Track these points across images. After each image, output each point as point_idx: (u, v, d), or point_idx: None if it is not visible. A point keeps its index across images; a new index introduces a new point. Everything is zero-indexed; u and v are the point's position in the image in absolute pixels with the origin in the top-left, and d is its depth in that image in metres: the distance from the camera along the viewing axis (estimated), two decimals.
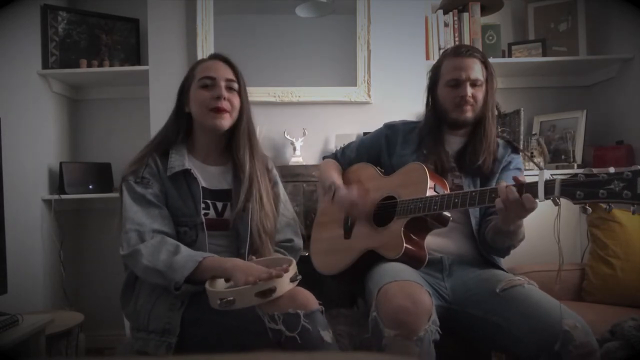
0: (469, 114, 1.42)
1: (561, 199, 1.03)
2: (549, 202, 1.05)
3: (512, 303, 1.17)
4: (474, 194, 1.18)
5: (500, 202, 1.12)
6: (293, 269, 1.13)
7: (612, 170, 0.96)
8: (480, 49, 2.07)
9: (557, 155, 2.44)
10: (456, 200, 1.20)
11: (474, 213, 1.40)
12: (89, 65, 2.39)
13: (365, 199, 1.46)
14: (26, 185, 2.21)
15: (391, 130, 1.60)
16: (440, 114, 1.48)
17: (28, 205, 2.23)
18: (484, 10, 2.46)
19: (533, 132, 2.51)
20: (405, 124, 1.61)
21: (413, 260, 1.30)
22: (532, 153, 2.35)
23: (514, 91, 2.61)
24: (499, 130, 1.42)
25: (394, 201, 1.38)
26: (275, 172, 1.51)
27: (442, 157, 1.44)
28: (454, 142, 1.49)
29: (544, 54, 2.46)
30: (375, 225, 1.42)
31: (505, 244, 1.33)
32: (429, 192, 1.30)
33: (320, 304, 1.13)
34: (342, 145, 1.74)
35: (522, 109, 2.37)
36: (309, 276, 1.44)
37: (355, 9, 2.35)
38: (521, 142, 2.29)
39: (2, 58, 2.08)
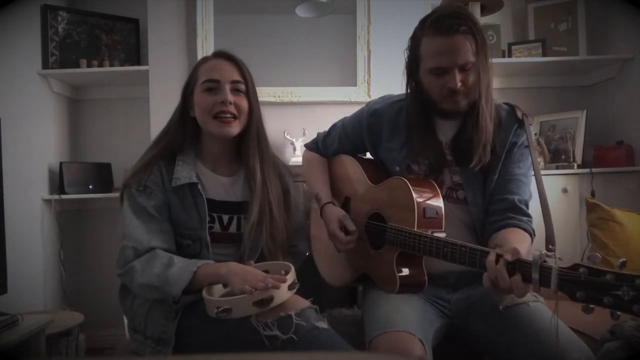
0: (462, 103, 1.19)
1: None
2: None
3: (514, 323, 1.10)
4: (464, 250, 1.02)
5: (486, 279, 0.95)
6: (292, 276, 1.10)
7: (621, 263, 0.79)
8: None
9: (557, 155, 2.43)
10: (445, 249, 1.06)
11: (478, 217, 1.25)
12: (89, 65, 2.39)
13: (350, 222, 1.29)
14: (26, 185, 2.21)
15: (374, 118, 1.37)
16: (426, 102, 1.25)
17: (28, 205, 2.23)
18: (484, 10, 2.45)
19: (533, 132, 2.51)
20: (391, 105, 1.37)
21: (411, 287, 1.20)
22: None
23: (514, 91, 2.60)
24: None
25: (383, 225, 1.24)
26: (287, 179, 1.41)
27: (435, 151, 1.25)
28: (447, 128, 1.27)
29: (544, 54, 2.46)
30: (369, 243, 1.31)
31: None
32: (418, 223, 1.14)
33: (311, 302, 1.12)
34: (324, 132, 1.58)
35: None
36: (309, 276, 1.44)
37: (355, 9, 2.35)
38: None
39: (2, 58, 2.08)
